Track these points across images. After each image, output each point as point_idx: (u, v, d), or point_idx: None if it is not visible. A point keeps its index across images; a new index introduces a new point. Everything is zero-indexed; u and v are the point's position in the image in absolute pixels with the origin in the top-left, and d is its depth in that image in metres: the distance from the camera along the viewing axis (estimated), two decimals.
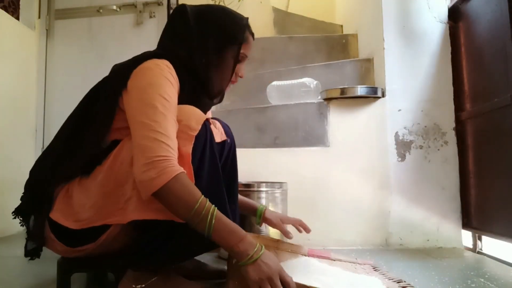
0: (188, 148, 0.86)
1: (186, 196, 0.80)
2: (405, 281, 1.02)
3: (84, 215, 0.87)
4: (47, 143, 2.39)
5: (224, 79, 1.03)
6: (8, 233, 2.05)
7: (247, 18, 1.05)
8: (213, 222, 0.80)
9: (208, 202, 0.81)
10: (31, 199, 0.94)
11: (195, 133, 0.88)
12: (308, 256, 1.12)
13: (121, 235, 0.90)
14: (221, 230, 0.81)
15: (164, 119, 0.83)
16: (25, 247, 0.95)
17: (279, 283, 0.80)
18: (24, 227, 0.97)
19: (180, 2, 2.54)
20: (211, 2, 2.68)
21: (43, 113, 2.47)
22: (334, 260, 1.14)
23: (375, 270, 1.14)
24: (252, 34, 1.07)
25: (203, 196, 0.81)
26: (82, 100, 0.99)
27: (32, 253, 0.94)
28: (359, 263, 1.18)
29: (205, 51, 0.98)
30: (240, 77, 1.07)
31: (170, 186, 0.78)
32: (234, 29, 1.00)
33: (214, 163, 0.92)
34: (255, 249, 0.81)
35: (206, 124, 0.92)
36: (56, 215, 0.89)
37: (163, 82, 0.87)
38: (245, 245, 0.81)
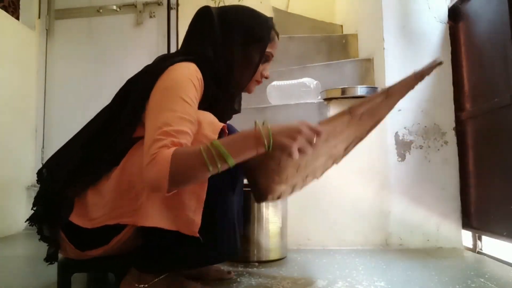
0: None
1: (192, 162, 0.77)
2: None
3: (98, 213, 0.88)
4: (47, 143, 2.43)
5: (247, 79, 1.03)
6: (8, 233, 2.05)
7: (272, 18, 1.05)
8: (226, 152, 0.77)
9: (209, 145, 0.78)
10: (47, 207, 0.92)
11: None
12: None
13: (132, 238, 0.91)
14: (237, 151, 0.78)
15: (180, 121, 0.81)
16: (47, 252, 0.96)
17: (310, 131, 0.79)
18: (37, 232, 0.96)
19: (180, 3, 2.54)
20: (211, 2, 2.68)
21: (43, 113, 2.48)
22: None
23: None
24: (277, 34, 1.07)
25: (202, 146, 0.78)
26: (108, 106, 0.97)
27: (51, 257, 0.95)
28: None
29: (231, 49, 0.98)
30: (266, 77, 1.07)
31: (174, 169, 0.75)
32: (260, 28, 1.01)
33: (224, 173, 0.92)
34: (266, 126, 0.80)
35: (221, 134, 0.91)
36: (71, 215, 0.89)
37: (187, 85, 0.86)
38: (261, 135, 0.79)
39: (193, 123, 0.85)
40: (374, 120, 0.99)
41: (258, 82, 1.07)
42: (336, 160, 1.01)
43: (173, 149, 0.77)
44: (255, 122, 0.80)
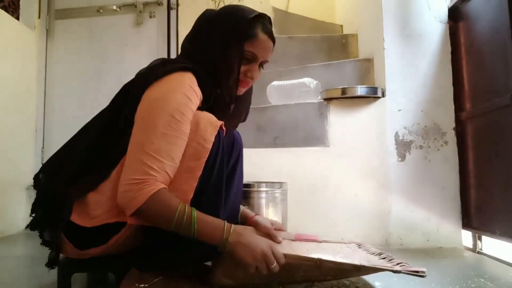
0: (201, 162, 0.87)
1: (163, 213, 0.82)
2: (386, 253, 1.04)
3: (98, 211, 0.88)
4: (47, 143, 2.43)
5: (230, 79, 0.97)
6: (8, 233, 2.05)
7: (261, 15, 0.98)
8: (195, 226, 0.82)
9: (187, 209, 0.83)
10: (47, 211, 0.92)
11: (210, 146, 0.88)
12: (295, 240, 1.13)
13: (131, 238, 0.91)
14: (205, 231, 0.84)
15: (162, 139, 0.83)
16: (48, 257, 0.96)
17: (273, 258, 0.84)
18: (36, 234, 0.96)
19: (180, 3, 2.54)
20: (211, 3, 2.68)
21: (43, 113, 2.48)
22: (321, 242, 1.15)
23: (359, 247, 1.15)
24: (268, 34, 0.98)
25: (181, 205, 0.83)
26: (105, 111, 0.97)
27: (53, 262, 0.95)
28: (344, 243, 1.19)
29: (212, 48, 0.95)
30: (251, 78, 1.01)
31: (145, 207, 0.81)
32: (239, 24, 0.94)
33: (220, 175, 0.92)
34: (231, 229, 0.85)
35: (219, 133, 0.91)
36: (71, 215, 0.89)
37: (178, 99, 0.86)
38: (227, 241, 0.84)
39: (184, 140, 0.86)
40: (336, 276, 1.01)
41: (242, 82, 0.99)
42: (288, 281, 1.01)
43: (158, 188, 0.82)
44: (228, 221, 0.86)
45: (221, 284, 0.93)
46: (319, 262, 0.90)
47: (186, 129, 0.86)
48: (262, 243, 0.86)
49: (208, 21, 0.99)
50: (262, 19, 0.99)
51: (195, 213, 0.83)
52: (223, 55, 0.95)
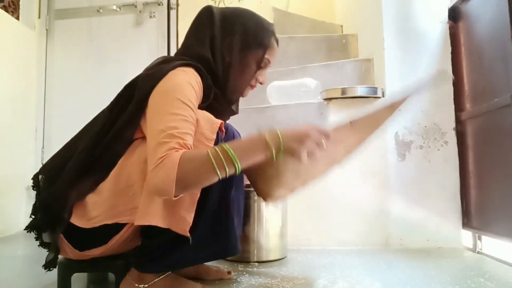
0: None
1: (199, 166, 0.76)
2: None
3: (95, 212, 0.88)
4: (47, 143, 2.43)
5: (243, 83, 1.03)
6: (8, 233, 2.05)
7: (273, 24, 1.05)
8: (235, 156, 0.76)
9: (217, 148, 0.77)
10: (48, 215, 0.91)
11: (211, 144, 0.87)
12: None
13: (131, 238, 0.91)
14: (246, 156, 0.78)
15: (182, 123, 0.81)
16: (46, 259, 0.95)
17: (318, 135, 0.81)
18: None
19: (180, 3, 2.54)
20: (211, 2, 2.68)
21: (43, 113, 2.48)
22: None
23: None
24: (277, 41, 1.06)
25: (208, 150, 0.77)
26: (106, 110, 0.96)
27: (50, 263, 0.94)
28: None
29: (229, 51, 0.98)
30: (261, 83, 1.07)
31: (181, 173, 0.74)
32: (261, 32, 1.01)
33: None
34: (275, 131, 0.80)
35: (218, 132, 0.91)
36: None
37: (185, 88, 0.86)
38: (271, 140, 0.78)
39: (194, 124, 0.85)
40: (368, 133, 1.05)
41: (252, 87, 1.07)
42: (334, 163, 1.01)
43: (181, 152, 0.76)
44: (260, 129, 0.80)
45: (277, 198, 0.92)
46: (352, 122, 0.92)
47: (193, 115, 0.85)
48: (300, 128, 0.81)
49: (223, 24, 0.99)
50: (273, 27, 1.05)
51: (226, 145, 0.77)
52: (243, 61, 1.00)
